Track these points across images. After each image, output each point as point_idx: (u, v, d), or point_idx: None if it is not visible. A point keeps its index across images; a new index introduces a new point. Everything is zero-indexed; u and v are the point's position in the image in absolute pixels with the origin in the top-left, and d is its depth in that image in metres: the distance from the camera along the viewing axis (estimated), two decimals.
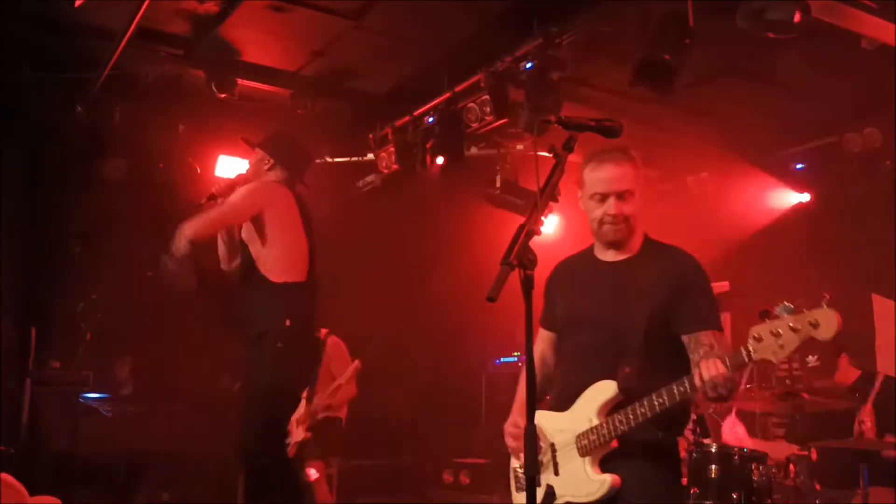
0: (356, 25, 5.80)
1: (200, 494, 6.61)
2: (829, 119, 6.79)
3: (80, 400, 6.37)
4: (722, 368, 2.49)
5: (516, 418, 3.00)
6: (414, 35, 5.98)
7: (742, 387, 5.55)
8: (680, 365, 2.73)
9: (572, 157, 2.49)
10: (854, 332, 5.31)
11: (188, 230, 4.01)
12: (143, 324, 6.81)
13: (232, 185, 4.39)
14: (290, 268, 4.16)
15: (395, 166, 7.10)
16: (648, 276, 2.86)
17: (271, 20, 5.71)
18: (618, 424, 2.69)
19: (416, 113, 6.77)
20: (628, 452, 2.74)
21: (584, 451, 2.76)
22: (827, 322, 2.32)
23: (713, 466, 4.36)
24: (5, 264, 6.41)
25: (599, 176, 2.87)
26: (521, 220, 2.32)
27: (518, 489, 3.05)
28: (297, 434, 5.64)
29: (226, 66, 6.36)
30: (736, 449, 4.45)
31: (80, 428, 6.27)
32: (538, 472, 2.79)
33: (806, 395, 4.77)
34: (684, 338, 2.78)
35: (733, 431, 5.13)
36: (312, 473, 5.88)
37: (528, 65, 5.54)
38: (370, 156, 7.42)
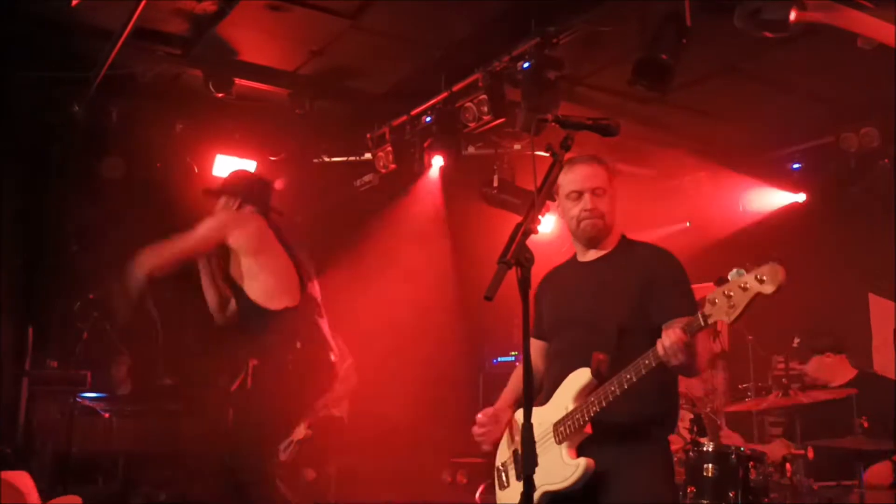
0: (354, 25, 5.80)
1: (198, 494, 6.61)
2: (826, 119, 6.80)
3: (78, 400, 6.36)
4: (680, 334, 2.53)
5: (490, 409, 3.13)
6: (411, 34, 5.98)
7: (720, 379, 5.57)
8: None
9: (569, 157, 2.51)
10: (851, 332, 5.35)
11: (147, 263, 4.06)
12: (140, 323, 6.81)
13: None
14: (283, 292, 4.21)
15: (392, 166, 7.10)
16: (622, 271, 2.97)
17: (269, 20, 5.71)
18: (590, 405, 2.74)
19: (413, 112, 6.77)
20: (616, 449, 2.76)
21: (560, 438, 2.81)
22: (771, 275, 2.35)
23: (710, 465, 4.36)
24: (2, 264, 6.40)
25: (573, 176, 3.02)
26: (518, 219, 2.33)
27: (501, 487, 3.07)
28: (299, 433, 5.64)
29: (223, 65, 6.35)
30: (733, 448, 4.46)
31: (78, 428, 6.25)
32: (532, 471, 2.79)
33: (803, 395, 4.77)
34: (663, 328, 2.81)
35: (731, 439, 5.14)
36: (309, 474, 5.88)
37: (526, 64, 5.54)
38: (367, 155, 7.42)
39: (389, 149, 7.06)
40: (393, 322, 8.00)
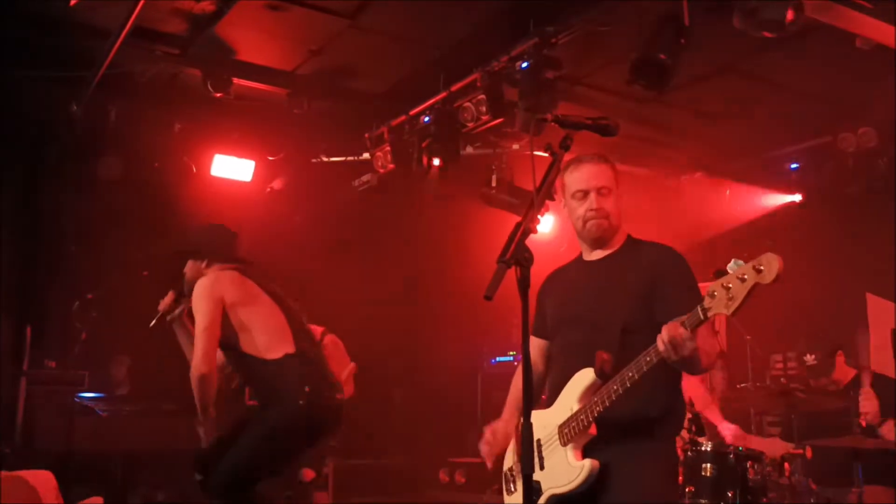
0: (352, 25, 5.80)
1: (196, 495, 6.59)
2: (824, 118, 6.81)
3: (76, 399, 6.36)
4: (680, 329, 2.50)
5: (495, 425, 3.07)
6: (410, 34, 5.98)
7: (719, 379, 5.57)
8: None
9: (568, 157, 2.51)
10: (849, 332, 5.36)
11: (199, 372, 4.02)
12: (138, 323, 6.80)
13: (171, 299, 4.48)
14: (278, 341, 4.19)
15: (390, 166, 7.10)
16: (626, 270, 2.94)
17: (267, 19, 5.70)
18: (594, 405, 2.71)
19: (411, 112, 6.76)
20: (621, 448, 2.75)
21: (565, 440, 2.78)
22: (769, 265, 2.31)
23: (708, 465, 4.37)
24: (0, 263, 6.40)
25: (578, 175, 2.99)
26: (517, 219, 2.33)
27: (508, 492, 3.06)
28: None
29: (222, 65, 6.34)
30: (731, 448, 4.47)
31: (76, 428, 6.25)
32: (532, 471, 2.80)
33: (801, 394, 4.78)
34: (664, 325, 2.80)
35: (728, 430, 5.14)
36: (308, 474, 5.88)
37: (524, 64, 5.54)
38: (366, 155, 7.41)
39: (388, 149, 7.06)
40: (391, 322, 8.01)
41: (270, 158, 7.62)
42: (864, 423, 4.43)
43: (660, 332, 2.59)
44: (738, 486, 4.31)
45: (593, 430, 2.75)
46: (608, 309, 2.88)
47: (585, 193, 2.97)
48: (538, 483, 2.80)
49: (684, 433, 4.61)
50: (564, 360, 2.97)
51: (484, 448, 3.08)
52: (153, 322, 4.54)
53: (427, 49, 6.17)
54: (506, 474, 3.08)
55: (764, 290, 2.36)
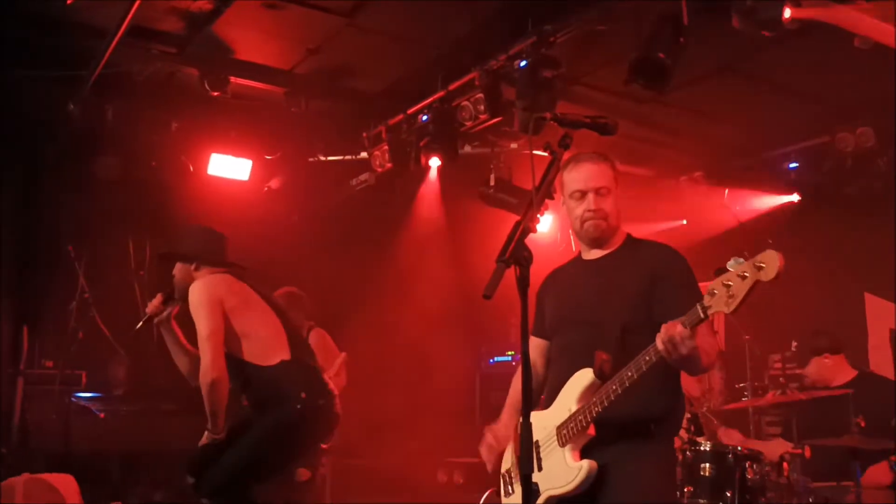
0: (350, 23, 5.79)
1: (194, 495, 6.59)
2: (822, 118, 6.80)
3: (73, 399, 6.34)
4: (679, 328, 2.48)
5: (495, 428, 3.06)
6: (408, 33, 5.97)
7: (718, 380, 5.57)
8: None
9: (567, 157, 2.51)
10: (847, 332, 5.35)
11: (209, 379, 3.99)
12: (136, 323, 6.78)
13: (160, 301, 4.41)
14: (273, 347, 4.16)
15: (388, 165, 7.09)
16: (626, 269, 2.93)
17: (265, 18, 5.69)
18: (593, 406, 2.71)
19: (409, 111, 6.75)
20: (619, 449, 2.75)
21: (564, 441, 2.78)
22: (770, 262, 2.30)
23: (707, 465, 4.37)
24: None
25: (577, 175, 2.99)
26: (515, 218, 2.32)
27: (506, 494, 3.04)
28: None
29: (219, 64, 6.33)
30: (730, 447, 4.46)
31: (73, 428, 6.24)
32: (531, 471, 2.79)
33: (800, 393, 4.78)
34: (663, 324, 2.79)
35: (728, 435, 5.14)
36: (303, 474, 5.86)
37: (523, 63, 5.53)
38: (364, 154, 7.41)
39: (386, 148, 7.05)
40: (389, 321, 8.01)
41: (268, 157, 7.61)
42: (862, 423, 4.42)
43: (659, 331, 2.58)
44: (736, 486, 4.30)
45: (592, 430, 2.74)
46: (607, 309, 2.88)
47: (584, 194, 2.96)
48: (536, 485, 2.77)
49: (683, 433, 4.60)
50: (563, 360, 2.96)
51: (484, 451, 3.07)
52: (139, 324, 4.50)
53: (425, 48, 6.16)
54: (504, 476, 3.07)
55: (764, 288, 2.35)
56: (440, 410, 7.99)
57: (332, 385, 5.70)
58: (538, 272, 2.41)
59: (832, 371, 5.10)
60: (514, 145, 7.42)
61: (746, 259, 2.36)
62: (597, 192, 2.95)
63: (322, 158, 7.68)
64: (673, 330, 2.49)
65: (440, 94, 6.33)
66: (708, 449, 4.43)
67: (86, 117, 6.43)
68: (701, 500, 4.33)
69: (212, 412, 4.00)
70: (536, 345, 3.16)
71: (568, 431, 2.76)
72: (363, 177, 7.62)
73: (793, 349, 5.30)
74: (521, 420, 2.20)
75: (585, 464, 2.71)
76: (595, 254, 3.05)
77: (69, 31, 5.76)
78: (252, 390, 4.24)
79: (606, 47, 5.79)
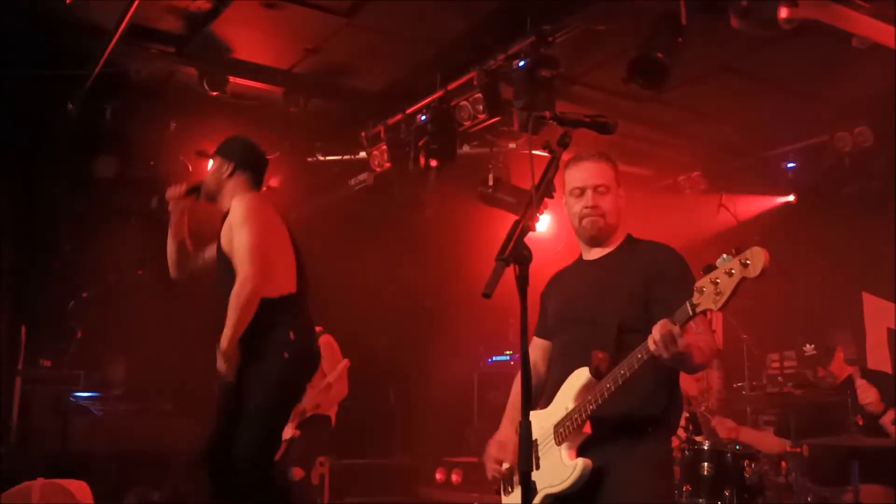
0: (349, 23, 5.79)
1: (191, 495, 6.59)
2: (820, 118, 6.81)
3: (71, 399, 6.35)
4: (669, 326, 2.49)
5: (499, 438, 3.03)
6: (406, 33, 5.97)
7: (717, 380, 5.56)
8: None
9: (564, 156, 2.51)
10: (845, 331, 5.36)
11: (248, 289, 3.76)
12: (134, 322, 6.79)
13: (184, 190, 4.24)
14: (283, 278, 3.99)
15: (387, 165, 7.09)
16: (624, 268, 2.94)
17: (263, 17, 5.69)
18: (588, 404, 2.71)
19: (408, 111, 6.75)
20: (615, 447, 2.75)
21: (560, 439, 2.79)
22: (755, 259, 2.32)
23: (705, 464, 4.37)
24: None
25: (577, 173, 3.01)
26: (514, 218, 2.32)
27: (505, 493, 3.05)
28: (287, 432, 5.60)
29: (218, 63, 6.33)
30: (729, 447, 4.47)
31: (71, 427, 6.24)
32: (531, 468, 2.79)
33: (798, 392, 4.78)
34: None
35: (722, 425, 5.13)
36: (297, 473, 5.86)
37: (521, 63, 5.54)
38: (362, 154, 7.41)
39: (384, 147, 7.06)
40: (388, 321, 8.01)
41: (266, 157, 7.60)
42: (861, 421, 4.42)
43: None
44: (735, 485, 4.31)
45: (588, 428, 2.75)
46: (605, 308, 2.88)
47: (582, 191, 2.98)
48: (534, 483, 2.78)
49: (681, 432, 4.61)
50: (562, 359, 2.97)
51: (491, 465, 3.03)
52: (153, 202, 4.34)
53: (424, 48, 6.16)
54: (503, 474, 3.07)
55: (753, 284, 2.37)
56: (439, 410, 8.00)
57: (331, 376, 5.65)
58: (537, 271, 2.42)
59: (845, 366, 5.07)
60: (512, 145, 7.42)
61: (734, 256, 2.37)
62: (595, 189, 2.97)
63: (321, 158, 7.68)
64: (664, 328, 2.50)
65: (439, 93, 6.33)
66: (707, 448, 4.44)
67: (84, 117, 6.44)
68: (700, 500, 4.34)
69: (237, 328, 3.75)
70: (539, 346, 3.17)
71: (564, 430, 2.77)
72: (362, 177, 7.62)
73: (811, 351, 5.24)
74: (520, 419, 2.20)
75: (580, 462, 2.72)
76: (595, 254, 3.06)
77: (68, 31, 5.76)
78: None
79: (605, 47, 5.80)
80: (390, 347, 8.06)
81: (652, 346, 2.52)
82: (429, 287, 8.17)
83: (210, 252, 4.23)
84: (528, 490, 2.22)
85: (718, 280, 2.39)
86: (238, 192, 4.13)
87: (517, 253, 2.21)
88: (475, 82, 6.03)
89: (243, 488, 3.79)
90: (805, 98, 6.56)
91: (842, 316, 6.92)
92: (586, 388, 2.76)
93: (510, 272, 2.23)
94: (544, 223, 7.86)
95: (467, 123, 6.23)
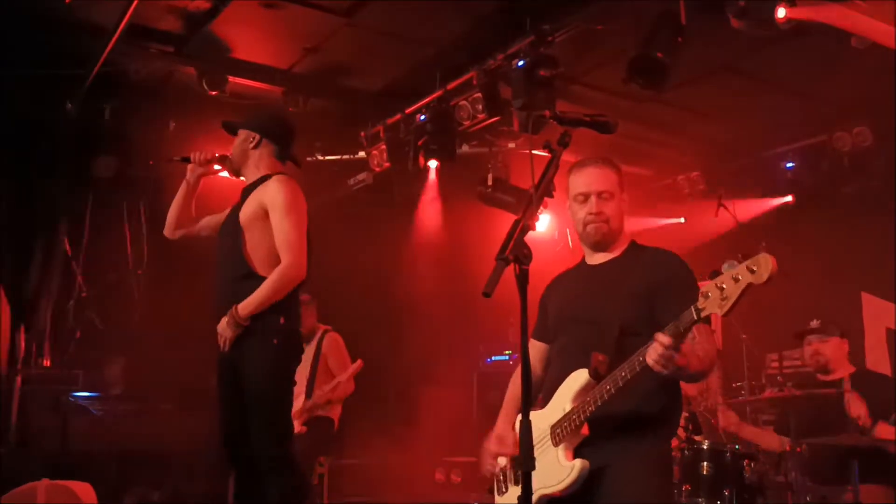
0: (348, 23, 5.79)
1: (191, 494, 6.58)
2: (819, 118, 6.82)
3: (70, 399, 6.33)
4: (663, 349, 2.49)
5: (497, 433, 3.02)
6: (406, 32, 5.98)
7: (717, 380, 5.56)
8: None
9: (565, 156, 2.51)
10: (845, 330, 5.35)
11: (292, 275, 3.81)
12: (133, 322, 6.78)
13: (208, 157, 4.25)
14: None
15: (386, 164, 7.10)
16: (628, 273, 2.94)
17: (263, 17, 5.69)
18: (587, 405, 2.71)
19: (407, 111, 6.76)
20: (613, 449, 2.75)
21: (557, 440, 2.79)
22: (763, 265, 2.33)
23: (705, 463, 4.37)
24: None
25: (581, 178, 3.02)
26: (513, 217, 2.32)
27: (500, 493, 3.04)
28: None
29: (217, 63, 6.34)
30: (728, 446, 4.47)
31: (70, 427, 6.22)
32: (531, 467, 2.79)
33: (797, 392, 4.78)
34: (657, 335, 2.78)
35: (726, 416, 5.13)
36: None
37: (521, 63, 5.54)
38: (362, 154, 7.41)
39: (384, 147, 7.06)
40: (387, 321, 8.00)
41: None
42: (859, 422, 4.43)
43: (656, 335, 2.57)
44: (734, 485, 4.31)
45: (585, 430, 2.75)
46: (607, 310, 2.88)
47: (586, 197, 2.99)
48: None
49: (680, 432, 4.61)
50: (562, 361, 2.97)
51: (488, 461, 3.02)
52: (175, 158, 4.36)
53: (423, 47, 6.16)
54: (497, 475, 3.07)
55: (759, 289, 2.37)
56: (437, 410, 7.99)
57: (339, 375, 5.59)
58: (537, 271, 2.42)
59: (843, 359, 5.04)
60: (511, 145, 7.42)
61: (740, 262, 2.38)
62: (599, 195, 2.97)
63: (320, 158, 7.67)
64: (658, 351, 2.50)
65: (438, 93, 6.34)
66: (706, 448, 4.44)
67: (84, 116, 6.43)
68: (699, 499, 4.33)
69: (263, 299, 3.76)
70: (535, 347, 3.16)
71: (562, 431, 2.77)
72: (361, 176, 7.62)
73: (815, 325, 5.19)
74: (520, 418, 2.20)
75: (578, 463, 2.72)
76: (598, 258, 3.06)
77: (67, 30, 5.76)
78: (243, 293, 3.88)
79: (605, 47, 5.81)
80: (389, 347, 8.05)
81: (652, 365, 2.53)
82: (428, 287, 8.15)
83: (210, 220, 4.26)
84: (529, 490, 2.21)
85: (724, 285, 2.39)
86: (263, 163, 4.13)
87: (517, 252, 2.21)
88: (474, 82, 6.04)
89: (266, 475, 3.79)
90: (804, 98, 6.57)
91: (841, 316, 6.92)
92: (585, 390, 2.76)
93: (510, 271, 2.23)
94: (543, 223, 7.87)
95: (466, 123, 6.24)
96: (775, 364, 6.65)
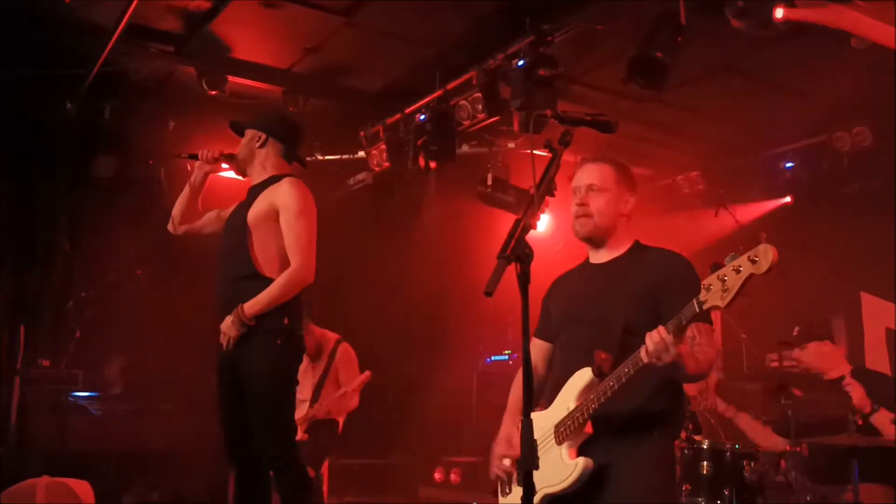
0: (348, 22, 5.79)
1: (190, 494, 6.59)
2: (818, 118, 6.82)
3: (70, 399, 6.33)
4: (663, 335, 2.49)
5: (504, 436, 3.01)
6: (406, 32, 5.98)
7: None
8: None
9: (565, 156, 2.52)
10: (844, 330, 5.37)
11: (301, 278, 3.84)
12: (133, 322, 6.78)
13: (216, 155, 4.26)
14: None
15: (386, 164, 7.10)
16: (632, 272, 2.93)
17: (262, 17, 5.69)
18: (590, 403, 2.71)
19: (407, 111, 6.76)
20: (616, 448, 2.74)
21: (561, 439, 2.78)
22: (763, 255, 2.34)
23: (705, 463, 4.37)
24: None
25: (577, 174, 3.04)
26: (514, 217, 2.33)
27: (503, 493, 3.04)
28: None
29: (217, 62, 6.34)
30: (728, 446, 4.47)
31: (69, 427, 6.23)
32: (532, 467, 2.79)
33: (797, 391, 4.78)
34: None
35: (723, 405, 5.12)
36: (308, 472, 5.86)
37: (521, 62, 5.54)
38: (361, 153, 7.40)
39: (383, 147, 7.06)
40: (385, 320, 8.00)
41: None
42: (860, 421, 4.41)
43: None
44: (734, 484, 4.31)
45: (589, 428, 2.74)
46: (611, 309, 2.87)
47: (577, 191, 3.00)
48: (533, 482, 2.79)
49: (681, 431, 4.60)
50: (565, 359, 2.96)
51: (497, 463, 3.01)
52: (182, 155, 4.42)
53: (423, 47, 6.16)
54: (501, 476, 3.06)
55: (759, 283, 2.38)
56: (437, 409, 7.99)
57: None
58: (535, 271, 2.42)
59: (829, 360, 5.03)
60: (511, 144, 7.42)
61: (741, 254, 2.38)
62: (588, 188, 2.97)
63: (319, 158, 7.67)
64: (657, 337, 2.50)
65: (438, 93, 6.34)
66: (706, 447, 4.43)
67: (83, 116, 6.44)
68: (699, 499, 4.33)
69: (271, 300, 3.78)
70: (538, 346, 3.15)
71: (565, 429, 2.76)
72: (361, 176, 7.62)
73: (795, 333, 5.22)
74: (521, 418, 2.20)
75: (581, 461, 2.71)
76: (601, 257, 3.04)
77: (67, 30, 5.76)
78: (248, 294, 3.89)
79: (605, 47, 5.81)
80: (388, 347, 8.05)
81: (644, 357, 2.53)
82: (427, 286, 8.15)
83: (213, 216, 4.29)
84: (530, 489, 2.21)
85: (726, 277, 2.40)
86: (270, 163, 4.17)
87: (518, 251, 2.21)
88: (474, 82, 6.04)
89: (268, 474, 3.82)
90: (804, 98, 6.56)
91: (840, 316, 6.93)
92: (588, 389, 2.75)
93: (511, 271, 2.23)
94: (544, 222, 7.87)
95: (466, 123, 6.24)
96: (775, 364, 6.65)
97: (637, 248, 3.04)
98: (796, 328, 5.12)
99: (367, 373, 6.09)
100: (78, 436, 6.26)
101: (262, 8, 5.56)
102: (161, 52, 6.14)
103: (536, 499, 2.74)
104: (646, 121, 7.07)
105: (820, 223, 7.18)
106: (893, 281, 6.36)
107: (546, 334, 3.16)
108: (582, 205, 2.95)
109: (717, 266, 2.44)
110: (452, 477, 7.41)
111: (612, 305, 2.88)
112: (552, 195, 2.45)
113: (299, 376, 4.07)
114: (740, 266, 2.37)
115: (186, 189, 4.32)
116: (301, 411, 5.63)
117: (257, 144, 4.18)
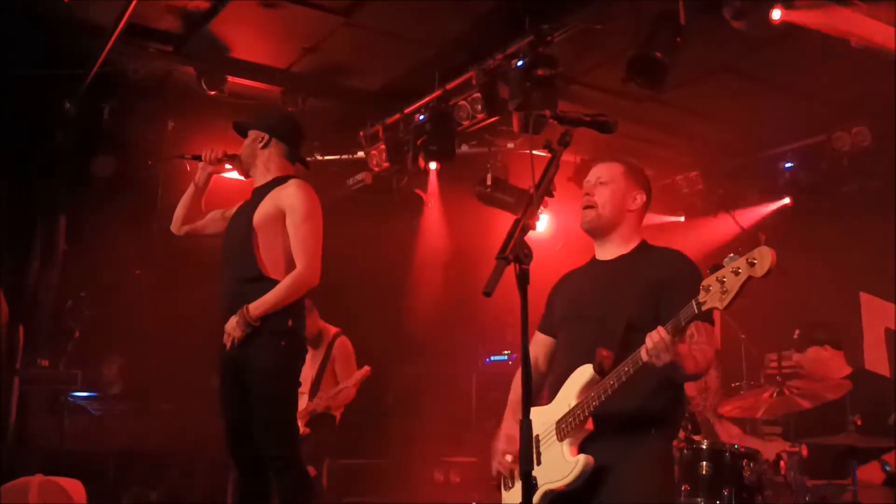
0: (347, 22, 5.79)
1: (189, 494, 6.58)
2: (818, 118, 6.82)
3: (69, 399, 6.33)
4: (662, 335, 2.51)
5: (506, 433, 3.02)
6: (405, 32, 5.97)
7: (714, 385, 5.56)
8: None
9: (565, 156, 2.52)
10: (842, 330, 5.35)
11: (307, 280, 3.84)
12: (132, 322, 6.78)
13: (220, 155, 4.28)
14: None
15: (385, 164, 7.10)
16: (637, 270, 2.95)
17: (262, 16, 5.69)
18: (591, 400, 2.72)
19: (406, 111, 6.76)
20: (617, 445, 2.75)
21: (562, 435, 2.79)
22: (762, 258, 2.34)
23: (704, 463, 4.36)
24: None
25: (590, 173, 3.08)
26: (512, 217, 2.33)
27: (506, 488, 3.05)
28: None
29: (216, 62, 6.34)
30: (727, 446, 4.46)
31: (68, 427, 6.23)
32: (531, 467, 2.79)
33: (797, 392, 4.78)
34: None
35: (727, 430, 5.13)
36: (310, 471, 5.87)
37: (520, 62, 5.54)
38: (360, 154, 7.40)
39: (383, 147, 7.06)
40: (386, 320, 8.00)
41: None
42: (859, 421, 4.40)
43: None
44: (734, 484, 4.29)
45: (590, 425, 2.76)
46: (614, 306, 2.89)
47: (586, 185, 3.06)
48: (535, 478, 2.78)
49: (680, 432, 4.60)
50: (567, 356, 2.97)
51: (499, 459, 3.02)
52: (185, 156, 4.45)
53: (422, 47, 6.16)
54: (504, 472, 3.07)
55: (758, 283, 2.38)
56: (437, 410, 7.99)
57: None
58: (534, 271, 2.42)
59: (829, 364, 5.04)
60: (510, 145, 7.42)
61: (740, 256, 2.38)
62: (597, 181, 3.03)
63: (319, 158, 7.67)
64: (656, 337, 2.52)
65: (437, 93, 6.34)
66: (705, 447, 4.43)
67: (82, 116, 6.44)
68: (698, 499, 4.33)
69: (277, 302, 3.79)
70: (541, 341, 3.18)
71: (567, 426, 2.78)
72: (360, 176, 7.62)
73: (795, 336, 5.22)
74: (521, 416, 2.20)
75: (582, 458, 2.72)
76: (607, 254, 3.07)
77: (66, 30, 5.76)
78: (253, 295, 3.89)
79: (604, 47, 5.80)
80: (388, 347, 8.05)
81: (644, 356, 2.53)
82: (427, 286, 8.16)
83: (216, 216, 4.30)
84: (530, 489, 2.21)
85: (725, 279, 2.41)
86: (273, 164, 4.17)
87: (518, 251, 2.22)
88: (474, 82, 6.04)
89: (270, 475, 3.82)
90: (803, 98, 6.56)
91: (839, 315, 6.92)
92: (590, 385, 2.76)
93: (510, 271, 2.23)
94: (543, 223, 7.87)
95: (466, 123, 6.24)
96: (774, 364, 6.65)
97: (643, 247, 3.06)
98: (797, 331, 5.13)
99: (367, 368, 6.10)
100: (77, 435, 6.25)
101: (261, 8, 5.55)
102: (160, 51, 6.14)
103: (537, 495, 2.76)
104: (645, 121, 7.07)
105: (819, 223, 7.18)
106: (893, 281, 6.36)
107: (548, 329, 3.17)
108: (587, 196, 3.01)
109: (716, 267, 2.44)
110: (452, 477, 7.41)
111: (615, 303, 2.89)
112: (551, 195, 2.46)
113: None
114: (739, 268, 2.38)
115: (190, 189, 4.33)
116: (300, 404, 5.64)
117: (260, 145, 4.18)
